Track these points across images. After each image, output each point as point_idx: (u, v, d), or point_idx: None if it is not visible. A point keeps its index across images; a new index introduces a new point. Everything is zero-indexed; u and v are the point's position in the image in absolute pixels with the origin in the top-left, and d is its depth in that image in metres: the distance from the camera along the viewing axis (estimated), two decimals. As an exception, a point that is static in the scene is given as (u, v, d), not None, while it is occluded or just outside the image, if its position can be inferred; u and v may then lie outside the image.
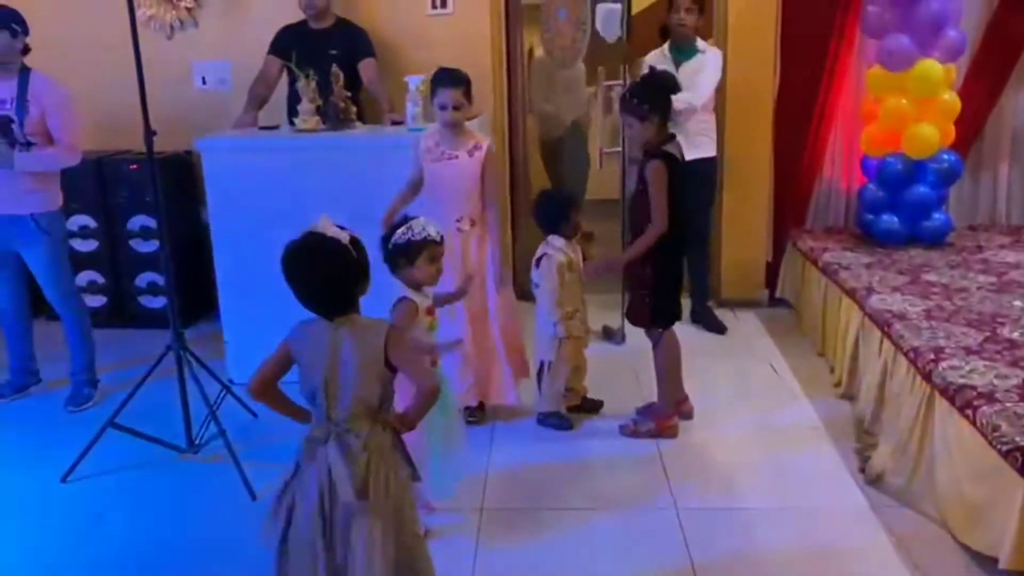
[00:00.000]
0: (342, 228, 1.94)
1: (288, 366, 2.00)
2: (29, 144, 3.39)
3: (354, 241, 1.95)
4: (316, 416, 1.98)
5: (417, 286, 2.61)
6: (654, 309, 3.23)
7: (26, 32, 3.46)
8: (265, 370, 2.01)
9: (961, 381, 2.57)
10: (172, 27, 4.65)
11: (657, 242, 3.09)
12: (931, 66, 4.00)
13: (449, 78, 3.14)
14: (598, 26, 4.50)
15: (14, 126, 3.36)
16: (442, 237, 2.62)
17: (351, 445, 1.92)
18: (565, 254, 3.30)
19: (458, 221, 3.23)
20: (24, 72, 3.44)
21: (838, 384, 3.67)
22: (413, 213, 2.74)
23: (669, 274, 3.21)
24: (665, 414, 3.34)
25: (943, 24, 3.98)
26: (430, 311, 2.64)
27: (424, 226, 2.56)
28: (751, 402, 3.62)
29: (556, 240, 3.32)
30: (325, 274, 1.92)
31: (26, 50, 3.48)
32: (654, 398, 3.41)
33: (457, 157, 3.21)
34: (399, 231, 2.56)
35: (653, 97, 3.11)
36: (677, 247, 3.19)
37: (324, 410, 1.94)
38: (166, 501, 2.99)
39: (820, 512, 2.80)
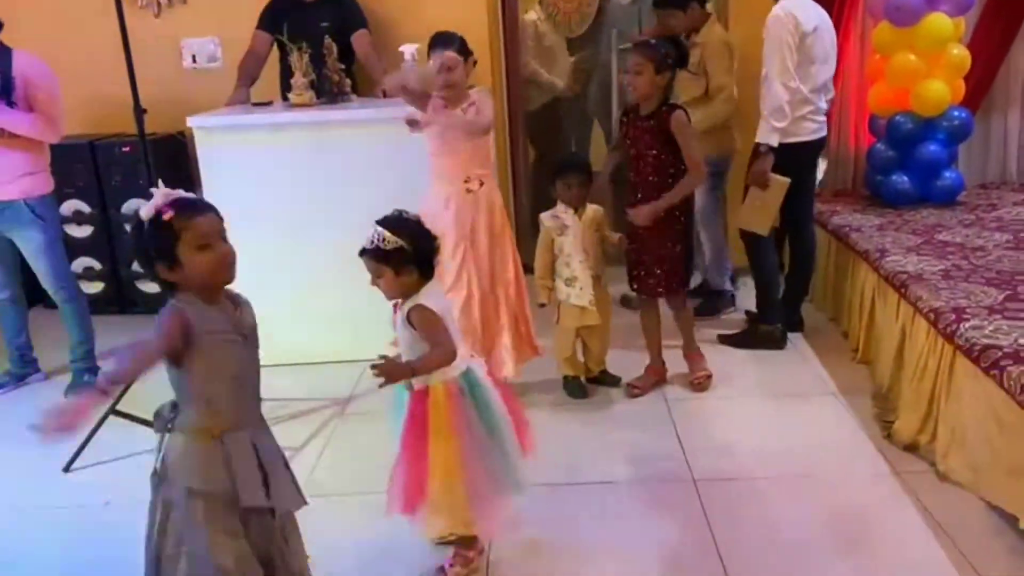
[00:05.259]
0: (172, 193, 1.80)
1: None
2: (10, 104, 3.28)
3: (160, 212, 1.75)
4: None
5: None
6: (682, 276, 3.29)
7: None
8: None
9: (985, 341, 2.50)
10: (159, 4, 4.53)
11: (685, 205, 3.16)
12: (940, 20, 3.90)
13: (440, 40, 3.14)
14: None
15: None
16: (365, 250, 2.18)
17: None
18: (554, 218, 3.26)
19: (466, 182, 3.17)
20: (5, 51, 3.32)
21: (855, 349, 3.61)
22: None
23: (690, 240, 3.31)
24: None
25: (952, -24, 3.87)
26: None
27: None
28: (765, 370, 3.56)
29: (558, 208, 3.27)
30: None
31: None
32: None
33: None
34: None
35: (677, 53, 3.10)
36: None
37: None
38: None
39: (841, 479, 2.74)
